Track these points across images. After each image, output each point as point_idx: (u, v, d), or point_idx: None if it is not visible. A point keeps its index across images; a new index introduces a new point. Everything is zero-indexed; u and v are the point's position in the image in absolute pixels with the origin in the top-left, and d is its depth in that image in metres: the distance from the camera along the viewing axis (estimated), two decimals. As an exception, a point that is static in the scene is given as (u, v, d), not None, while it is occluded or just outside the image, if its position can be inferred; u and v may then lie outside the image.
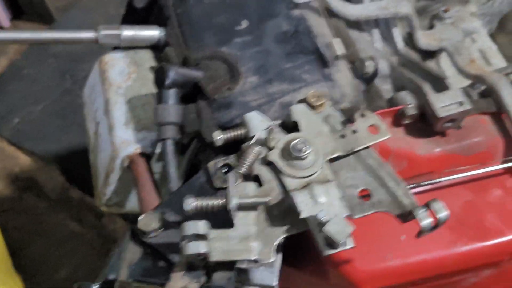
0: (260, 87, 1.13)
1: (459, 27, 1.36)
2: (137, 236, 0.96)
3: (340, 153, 0.99)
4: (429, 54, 1.34)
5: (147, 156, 1.15)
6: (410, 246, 1.08)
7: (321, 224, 0.86)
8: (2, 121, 2.51)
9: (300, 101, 1.09)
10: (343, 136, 1.00)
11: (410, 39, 1.35)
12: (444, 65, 1.36)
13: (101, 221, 2.22)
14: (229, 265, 0.91)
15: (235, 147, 1.04)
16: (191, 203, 0.88)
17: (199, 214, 0.90)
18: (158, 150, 1.16)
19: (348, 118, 1.07)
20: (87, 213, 2.24)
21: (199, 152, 1.16)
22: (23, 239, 2.17)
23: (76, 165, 2.35)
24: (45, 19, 2.92)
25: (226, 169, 1.01)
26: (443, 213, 0.90)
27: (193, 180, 1.02)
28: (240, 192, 0.91)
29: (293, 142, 0.94)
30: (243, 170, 0.94)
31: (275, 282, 0.96)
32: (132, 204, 1.30)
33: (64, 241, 2.19)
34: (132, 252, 0.95)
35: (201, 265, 0.90)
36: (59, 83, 2.62)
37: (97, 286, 0.86)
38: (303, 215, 0.88)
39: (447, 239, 1.09)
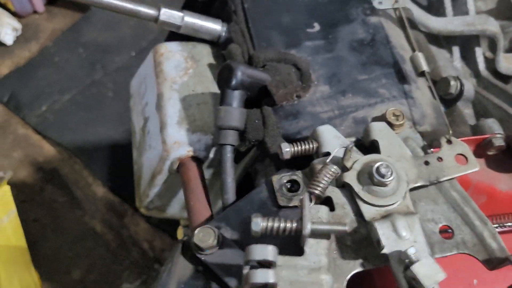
0: (331, 98, 1.02)
1: (542, 53, 1.25)
2: (188, 250, 0.85)
3: (424, 183, 0.88)
4: (504, 78, 1.23)
5: (199, 160, 1.04)
6: (483, 292, 0.97)
7: (407, 263, 0.74)
8: (29, 107, 2.42)
9: (375, 118, 0.98)
10: (427, 163, 0.89)
11: (487, 60, 1.23)
12: (520, 93, 1.25)
13: (123, 222, 2.11)
14: (292, 297, 0.79)
15: (299, 161, 0.93)
16: (260, 224, 0.76)
17: (261, 235, 0.78)
18: (211, 155, 1.05)
19: (429, 143, 0.96)
20: (108, 211, 2.14)
21: (257, 162, 1.05)
22: (40, 233, 2.06)
23: (102, 160, 2.25)
24: (80, 6, 2.84)
25: (290, 186, 0.90)
26: (544, 265, 0.78)
27: (253, 195, 0.91)
28: (312, 215, 0.80)
29: (376, 165, 0.83)
30: (317, 192, 0.82)
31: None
32: (173, 209, 1.20)
33: (80, 239, 2.08)
34: (182, 269, 0.84)
35: (261, 293, 0.78)
36: (89, 73, 2.53)
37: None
38: (386, 250, 0.77)
39: (525, 289, 0.98)
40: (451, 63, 1.18)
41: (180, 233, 1.34)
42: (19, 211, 1.90)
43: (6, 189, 1.84)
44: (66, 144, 2.30)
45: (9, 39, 2.60)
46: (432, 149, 0.93)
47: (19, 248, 1.78)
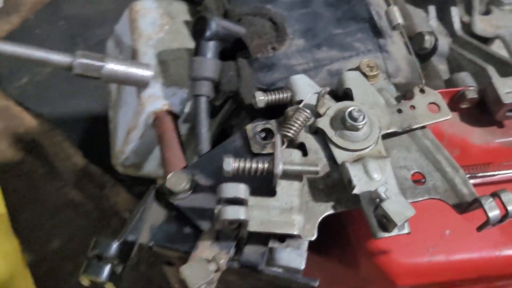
0: (306, 51, 1.03)
1: (518, 16, 1.26)
2: (162, 196, 0.85)
3: (396, 129, 0.88)
4: (481, 41, 1.24)
5: (174, 115, 1.04)
6: (455, 243, 0.98)
7: (377, 202, 0.75)
8: (10, 79, 2.40)
9: (350, 70, 0.98)
10: (400, 111, 0.90)
11: (463, 24, 1.24)
12: (497, 54, 1.26)
13: (103, 192, 2.10)
14: (263, 239, 0.80)
15: (274, 112, 0.93)
16: (232, 163, 0.77)
17: (234, 178, 0.79)
18: (187, 109, 1.05)
19: (403, 94, 0.97)
20: (89, 182, 2.13)
21: (232, 116, 1.05)
22: (19, 204, 2.05)
23: (82, 131, 2.25)
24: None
25: (264, 135, 0.90)
26: (513, 206, 0.79)
27: (227, 143, 0.91)
28: (285, 158, 0.80)
29: (348, 110, 0.83)
30: (290, 134, 0.83)
31: (303, 266, 0.84)
32: (150, 167, 1.20)
33: (60, 209, 2.07)
34: (155, 214, 0.84)
35: (232, 235, 0.79)
36: (69, 46, 2.50)
37: (117, 244, 0.74)
38: (357, 190, 0.78)
39: (497, 240, 0.99)
40: (427, 22, 1.19)
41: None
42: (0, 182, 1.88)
43: (-14, 159, 1.83)
44: (47, 116, 2.29)
45: (-10, 12, 2.58)
46: (405, 100, 0.94)
47: (-1, 216, 1.77)
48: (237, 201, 0.73)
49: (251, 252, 0.80)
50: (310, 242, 0.84)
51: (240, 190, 0.72)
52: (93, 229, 2.02)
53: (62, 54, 0.97)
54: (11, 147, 2.20)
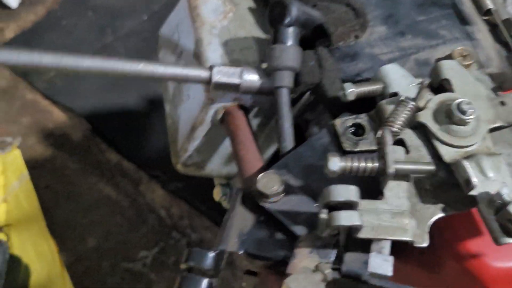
0: (390, 39, 0.96)
1: None
2: (249, 200, 0.78)
3: (502, 123, 0.81)
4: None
5: (245, 109, 0.97)
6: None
7: (499, 205, 0.67)
8: (37, 73, 2.32)
9: (440, 60, 0.91)
10: (503, 104, 0.82)
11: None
12: None
13: (138, 189, 2.03)
14: (365, 246, 0.72)
15: (355, 106, 0.86)
16: (338, 163, 0.69)
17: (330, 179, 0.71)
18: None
19: (499, 85, 0.89)
20: (123, 179, 2.06)
21: (307, 110, 0.98)
22: (52, 201, 1.99)
23: (114, 126, 2.17)
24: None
25: (353, 130, 0.83)
26: None
27: (314, 140, 0.84)
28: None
29: (457, 102, 0.75)
30: (396, 128, 0.75)
31: (391, 272, 0.77)
32: (213, 165, 1.12)
33: (95, 207, 2.01)
34: (242, 219, 0.77)
35: (332, 242, 0.71)
36: (98, 37, 2.43)
37: (213, 254, 0.67)
38: (476, 191, 0.70)
39: None
40: (505, 8, 1.12)
41: (216, 193, 1.27)
42: (30, 178, 1.82)
43: (17, 153, 1.76)
44: (77, 110, 2.22)
45: (14, 2, 2.48)
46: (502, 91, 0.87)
47: (32, 214, 1.71)
48: (345, 205, 0.66)
49: (353, 260, 0.72)
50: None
51: (351, 192, 0.65)
52: (129, 227, 1.96)
53: (200, 69, 0.93)
54: (41, 143, 2.13)
